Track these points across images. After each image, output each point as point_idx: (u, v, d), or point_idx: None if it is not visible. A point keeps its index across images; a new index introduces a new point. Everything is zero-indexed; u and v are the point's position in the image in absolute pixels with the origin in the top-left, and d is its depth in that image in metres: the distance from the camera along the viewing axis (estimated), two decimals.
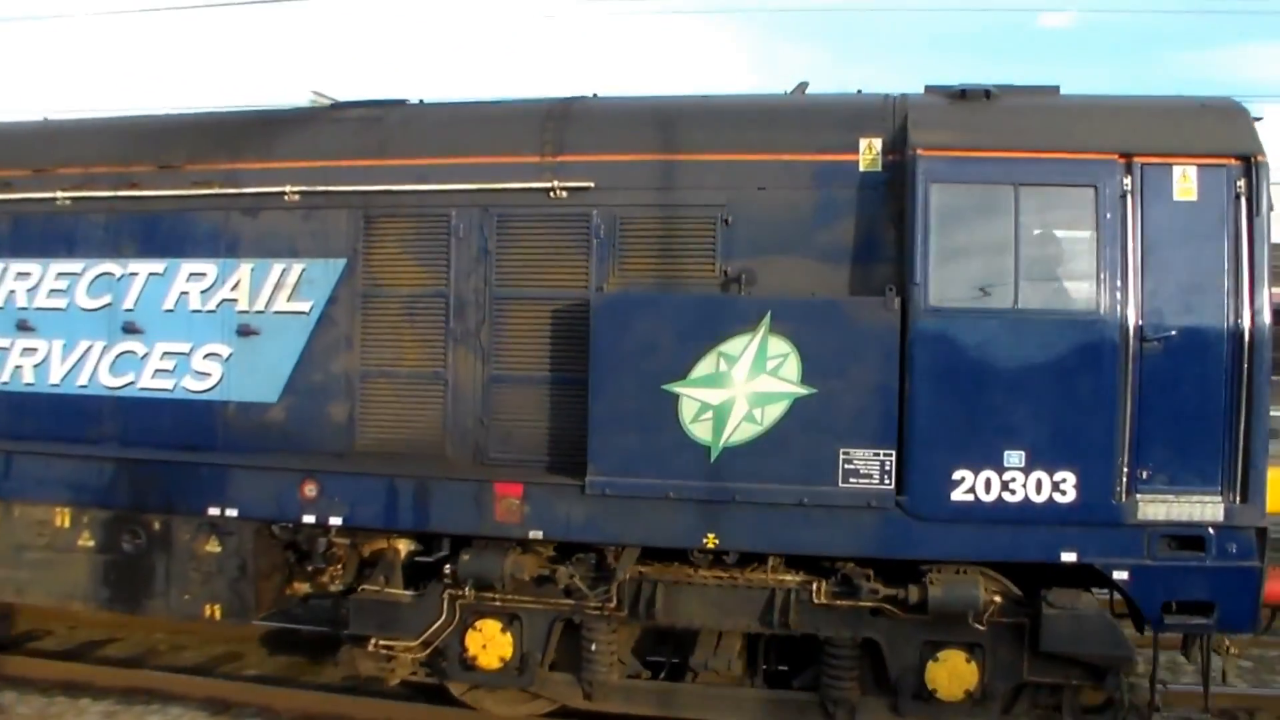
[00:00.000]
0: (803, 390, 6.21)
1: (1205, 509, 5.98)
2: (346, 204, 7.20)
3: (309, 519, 6.97)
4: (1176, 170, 6.04)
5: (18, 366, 7.78)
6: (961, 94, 6.66)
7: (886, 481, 6.15)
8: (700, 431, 6.33)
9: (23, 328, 7.76)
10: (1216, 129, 6.21)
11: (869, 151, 6.59)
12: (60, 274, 7.71)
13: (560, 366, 6.88)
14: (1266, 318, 5.95)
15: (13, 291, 7.80)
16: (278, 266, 7.31)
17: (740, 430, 6.29)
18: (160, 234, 7.54)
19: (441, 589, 6.97)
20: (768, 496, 6.26)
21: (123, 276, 7.58)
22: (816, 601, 6.46)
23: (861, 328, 6.19)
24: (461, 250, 7.05)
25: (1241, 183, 5.99)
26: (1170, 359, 5.98)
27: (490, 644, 6.88)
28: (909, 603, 6.27)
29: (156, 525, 7.31)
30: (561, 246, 6.92)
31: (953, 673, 6.35)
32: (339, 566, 7.24)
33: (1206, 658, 6.35)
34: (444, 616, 6.96)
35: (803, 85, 7.37)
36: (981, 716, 6.41)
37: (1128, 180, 6.05)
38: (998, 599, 6.26)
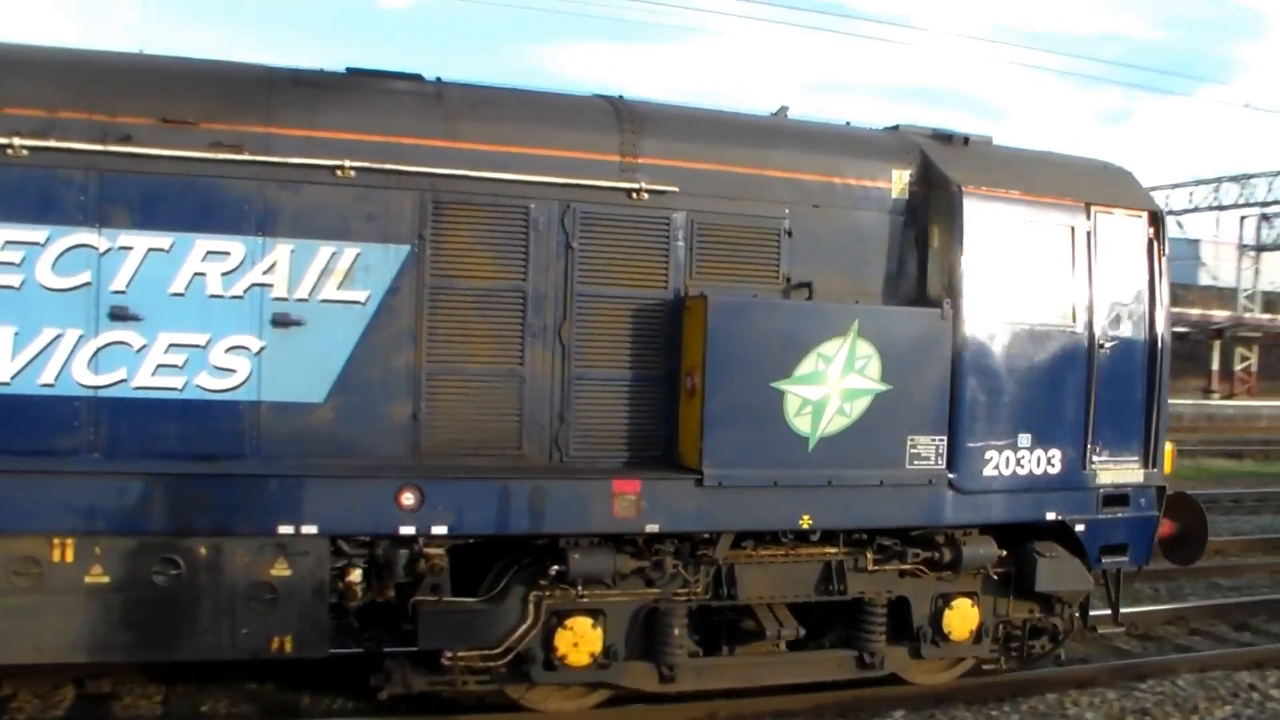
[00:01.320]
0: (882, 386, 7.17)
1: (1130, 474, 8.02)
2: (414, 185, 6.63)
3: (408, 530, 6.38)
4: (1116, 218, 7.98)
5: None
6: (948, 138, 8.06)
7: (940, 462, 7.35)
8: (801, 424, 7.01)
9: None
10: (1132, 188, 8.29)
11: (900, 181, 7.71)
12: (10, 243, 6.05)
13: (640, 364, 7.09)
14: (1168, 332, 8.14)
15: None
16: (326, 249, 6.50)
17: (833, 422, 7.08)
18: (165, 203, 6.27)
19: (524, 592, 6.81)
20: (854, 480, 7.13)
21: (109, 251, 6.17)
22: (867, 569, 7.48)
23: (924, 334, 7.30)
24: (540, 244, 6.89)
25: (1151, 230, 8.10)
26: (1112, 361, 7.90)
27: (581, 641, 6.88)
28: (943, 562, 7.55)
29: (203, 550, 6.12)
30: (642, 246, 7.10)
31: (962, 617, 7.75)
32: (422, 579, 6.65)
33: (1118, 588, 8.44)
34: (529, 620, 6.81)
35: (784, 109, 8.23)
36: (980, 649, 7.91)
37: (1089, 224, 7.86)
38: (1002, 553, 7.78)
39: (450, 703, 7.15)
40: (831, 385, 7.05)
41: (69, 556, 5.95)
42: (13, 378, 6.06)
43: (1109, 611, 8.45)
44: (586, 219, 6.97)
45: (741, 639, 7.55)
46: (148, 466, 6.07)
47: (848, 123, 8.22)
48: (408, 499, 6.36)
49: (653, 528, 6.79)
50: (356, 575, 6.51)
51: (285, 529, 6.20)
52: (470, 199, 6.75)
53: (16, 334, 6.07)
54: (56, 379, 6.13)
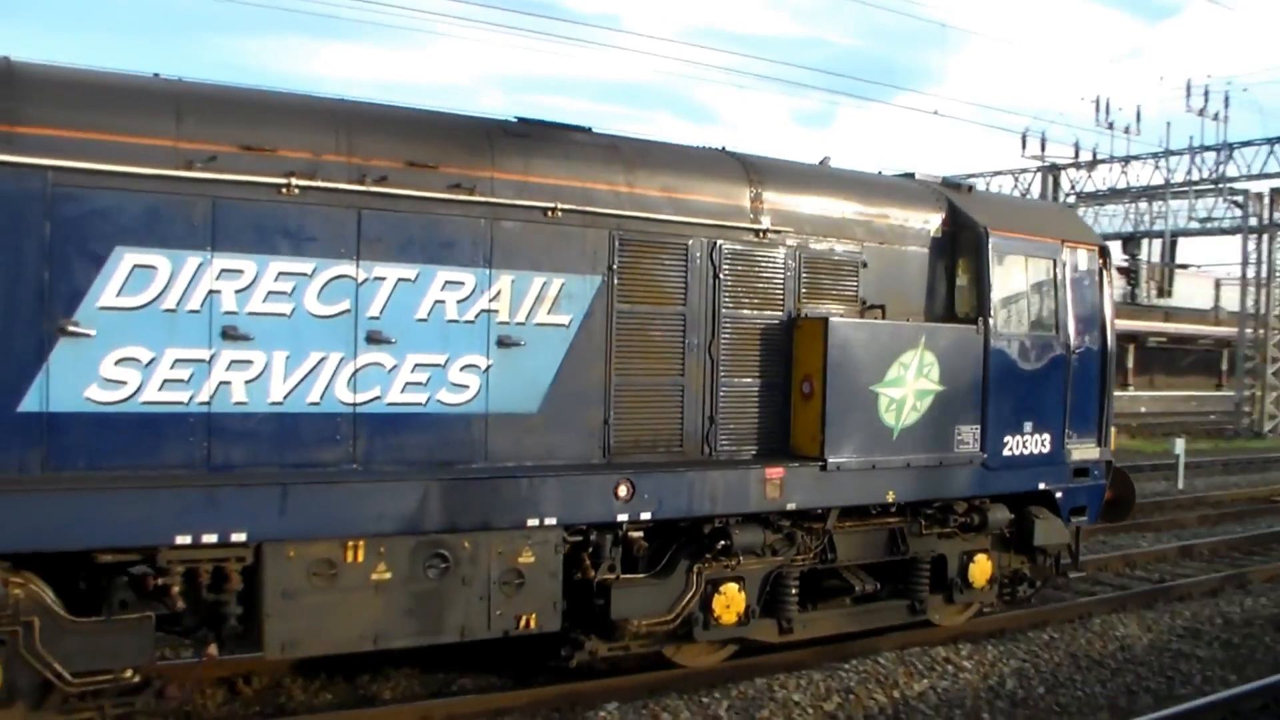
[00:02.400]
0: (940, 387, 9.04)
1: (1090, 452, 10.35)
2: (604, 225, 7.79)
3: (623, 517, 7.56)
4: (1079, 251, 10.27)
5: (224, 383, 6.54)
6: (956, 187, 10.07)
7: (975, 446, 9.32)
8: (888, 419, 8.75)
9: (231, 336, 6.55)
10: (1085, 226, 10.62)
11: (935, 223, 9.60)
12: (282, 274, 6.70)
13: (764, 373, 8.58)
14: (1113, 342, 10.54)
15: (215, 292, 6.50)
16: (538, 279, 7.55)
17: (908, 416, 8.87)
18: (412, 238, 7.10)
19: (689, 565, 8.15)
20: (923, 462, 8.97)
21: (366, 281, 6.95)
22: (920, 534, 9.35)
23: (966, 344, 9.24)
24: (695, 275, 8.23)
25: (1100, 261, 10.46)
26: (1079, 364, 10.17)
27: (731, 603, 8.31)
28: (973, 525, 9.55)
29: (466, 545, 7.02)
30: (766, 276, 8.58)
31: (981, 569, 9.77)
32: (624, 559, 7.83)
33: (1078, 541, 10.75)
34: (693, 589, 8.15)
35: (826, 159, 9.94)
36: (992, 594, 9.98)
37: (1064, 256, 10.09)
38: (1011, 516, 9.86)
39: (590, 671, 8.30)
40: (908, 387, 8.84)
41: (359, 557, 6.73)
42: (285, 397, 6.73)
43: (1069, 560, 10.77)
44: (728, 254, 8.36)
45: (823, 596, 9.22)
46: (425, 474, 6.95)
47: (879, 172, 10.04)
48: (623, 491, 7.56)
49: (791, 505, 8.33)
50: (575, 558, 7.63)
51: (532, 522, 7.24)
52: (646, 237, 7.98)
53: (288, 358, 6.74)
54: (322, 398, 6.84)
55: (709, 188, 8.34)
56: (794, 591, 8.69)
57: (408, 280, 7.08)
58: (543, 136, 7.81)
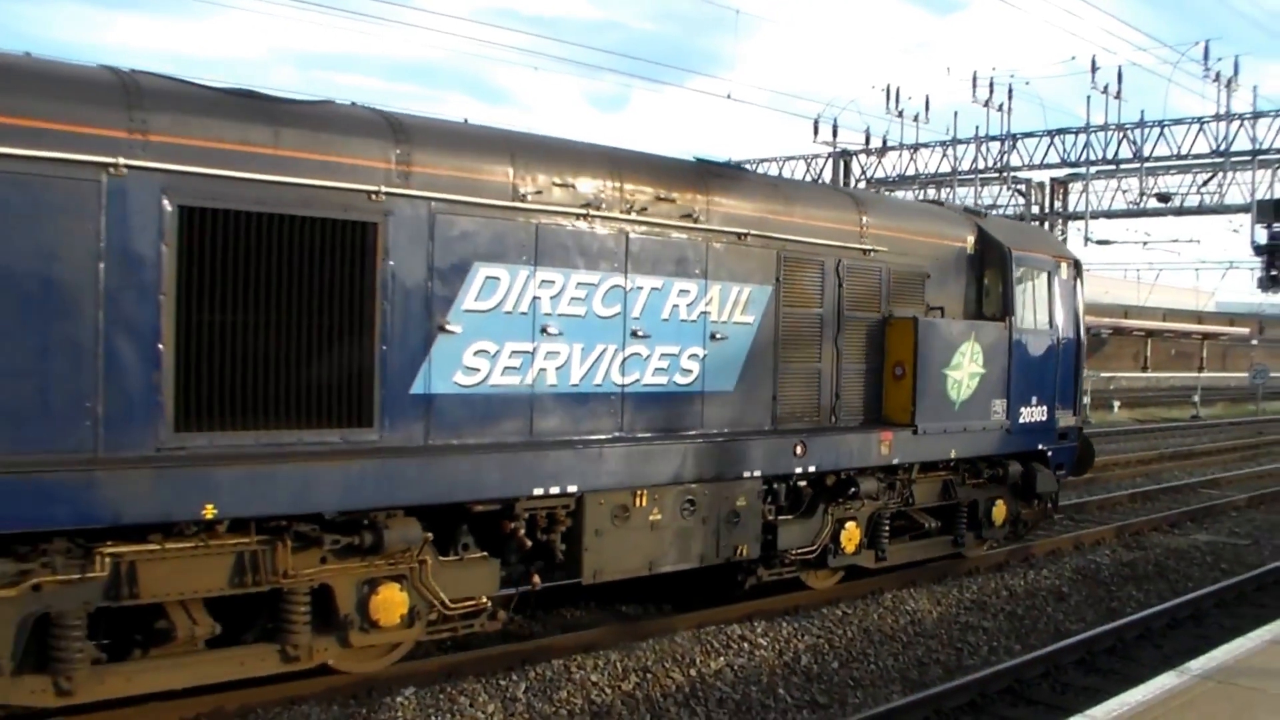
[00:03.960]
0: (983, 370, 11.78)
1: (1069, 420, 13.39)
2: (775, 246, 10.05)
3: (798, 469, 9.88)
4: (1063, 265, 13.26)
5: (541, 369, 8.45)
6: (978, 213, 12.88)
7: (1004, 415, 12.13)
8: (953, 395, 11.42)
9: (547, 332, 8.46)
10: (1063, 245, 13.63)
11: (969, 241, 12.35)
12: (581, 284, 8.65)
13: (866, 360, 11.05)
14: (1084, 334, 13.62)
15: (537, 298, 8.40)
16: (735, 288, 9.75)
17: (964, 393, 11.57)
18: (659, 255, 9.16)
19: (824, 508, 10.54)
20: (973, 428, 11.70)
21: (631, 289, 8.98)
22: (969, 483, 12.08)
23: (999, 337, 12.01)
24: (827, 284, 10.60)
25: (1075, 271, 13.50)
26: (1064, 351, 13.18)
27: (853, 537, 10.78)
28: (998, 478, 12.37)
29: (706, 492, 9.16)
30: (869, 285, 11.05)
31: (1000, 511, 12.62)
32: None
33: (1058, 491, 13.76)
34: (827, 526, 10.56)
35: (880, 189, 12.52)
36: (1005, 531, 12.85)
37: (1056, 268, 13.05)
38: (1021, 469, 12.74)
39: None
40: (964, 370, 11.54)
41: (643, 503, 8.80)
42: (581, 380, 8.71)
43: (1052, 505, 13.80)
44: (846, 268, 10.78)
45: (893, 534, 11.81)
46: (688, 439, 9.07)
47: (920, 198, 12.69)
48: (799, 450, 9.89)
49: (895, 460, 10.87)
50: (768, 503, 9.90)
51: (746, 474, 9.49)
52: (800, 255, 10.29)
53: (582, 349, 8.71)
54: (602, 380, 8.85)
55: (833, 216, 10.73)
56: (887, 528, 11.25)
57: (657, 289, 9.15)
58: (734, 177, 10.00)
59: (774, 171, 36.27)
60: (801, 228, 10.32)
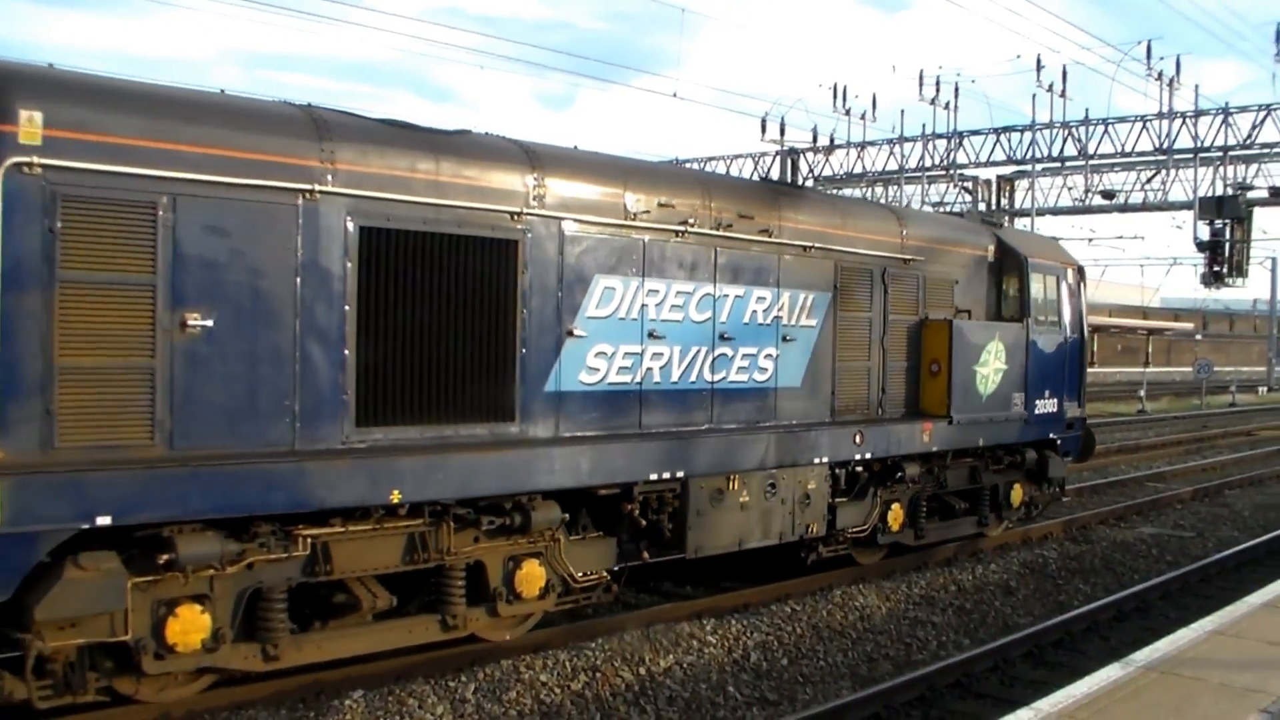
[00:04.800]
0: (1005, 366, 13.03)
1: (1075, 411, 14.71)
2: (831, 257, 11.17)
3: (857, 456, 11.02)
4: (1069, 270, 14.57)
5: (649, 369, 9.49)
6: (995, 224, 14.15)
7: (1021, 407, 13.39)
8: (980, 388, 12.65)
9: (653, 336, 9.50)
10: (1068, 251, 14.95)
11: (990, 250, 13.59)
12: (679, 292, 9.70)
13: (906, 358, 12.24)
14: (1087, 331, 14.95)
15: (644, 305, 9.43)
16: (801, 295, 10.86)
17: (990, 387, 12.80)
18: (741, 266, 10.23)
19: (873, 490, 11.70)
20: (998, 419, 12.94)
21: (720, 297, 10.04)
22: (992, 469, 13.33)
23: (1018, 337, 13.27)
24: (874, 291, 11.76)
25: (1079, 276, 14.82)
26: (1071, 349, 14.49)
27: (898, 518, 11.96)
28: (1017, 464, 13.64)
29: (784, 477, 10.26)
30: (909, 291, 12.23)
31: (1017, 493, 13.91)
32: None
33: (1066, 476, 15.07)
34: (875, 507, 11.73)
35: (909, 206, 13.72)
36: (1021, 512, 14.14)
37: (1064, 274, 14.35)
38: (1036, 456, 14.02)
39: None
40: (990, 367, 12.78)
41: (735, 486, 9.87)
42: (679, 377, 9.76)
43: (1060, 489, 15.10)
44: (891, 276, 11.95)
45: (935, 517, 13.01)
46: (768, 429, 10.15)
47: (947, 211, 13.92)
48: (858, 439, 11.04)
49: (935, 448, 12.07)
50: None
51: (816, 460, 10.61)
52: (854, 264, 11.44)
53: (680, 350, 9.76)
54: (695, 378, 9.90)
55: (879, 229, 11.90)
56: (924, 510, 12.45)
57: (739, 296, 10.23)
58: (800, 195, 11.13)
59: (721, 169, 36.62)
60: (854, 240, 11.46)
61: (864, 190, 34.85)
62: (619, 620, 9.59)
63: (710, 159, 38.22)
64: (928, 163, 33.71)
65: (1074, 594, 12.21)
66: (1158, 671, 7.08)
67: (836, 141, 35.50)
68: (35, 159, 6.37)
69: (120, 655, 6.96)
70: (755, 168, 36.52)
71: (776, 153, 35.26)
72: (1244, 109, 29.33)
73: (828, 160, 35.92)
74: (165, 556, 6.74)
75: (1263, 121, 28.80)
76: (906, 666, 9.25)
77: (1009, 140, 32.13)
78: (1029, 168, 32.54)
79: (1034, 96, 30.89)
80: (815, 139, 35.73)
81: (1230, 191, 29.86)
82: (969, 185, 33.85)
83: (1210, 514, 17.68)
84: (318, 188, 7.48)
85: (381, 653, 8.19)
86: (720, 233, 10.02)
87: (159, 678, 7.13)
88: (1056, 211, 34.11)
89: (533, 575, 8.65)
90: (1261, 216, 33.69)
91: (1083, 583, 12.68)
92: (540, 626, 9.14)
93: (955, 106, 32.76)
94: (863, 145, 35.04)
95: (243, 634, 7.42)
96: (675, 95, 45.26)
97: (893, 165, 34.50)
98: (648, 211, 9.41)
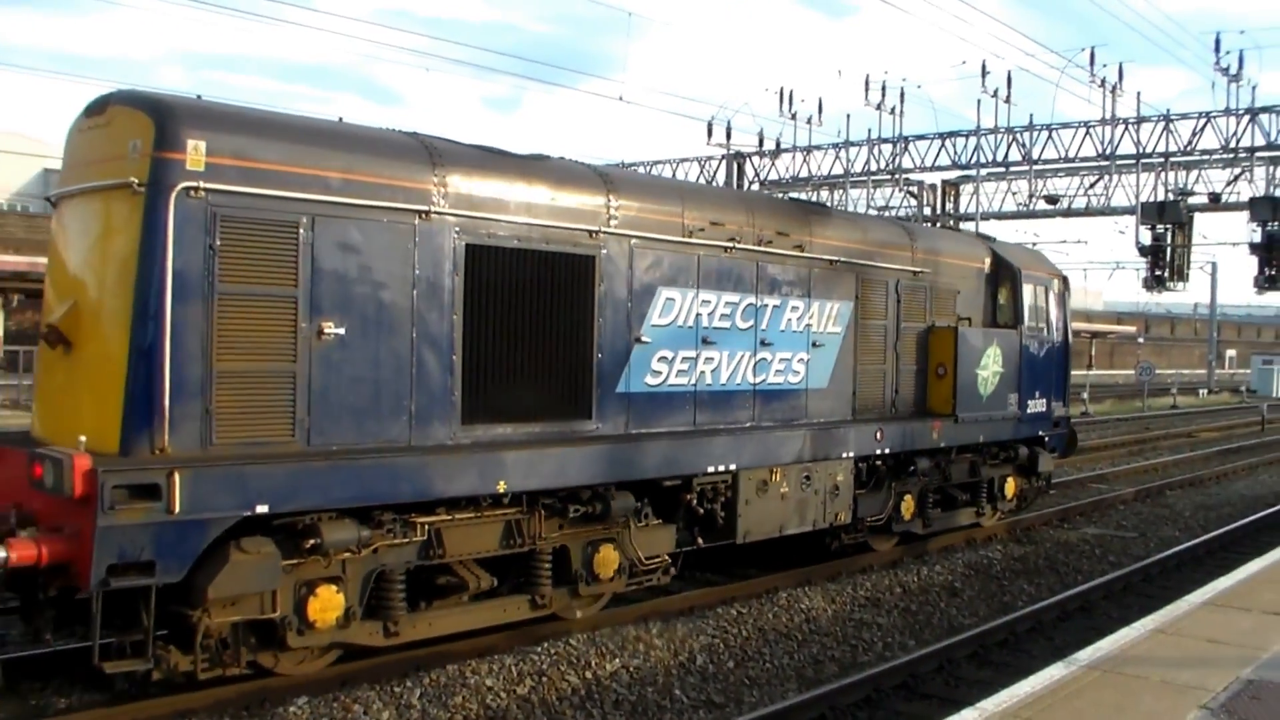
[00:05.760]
0: (1002, 369, 14.20)
1: (1061, 410, 15.94)
2: (854, 270, 12.24)
3: (878, 451, 12.07)
4: (1054, 280, 15.81)
5: (701, 372, 10.45)
6: (989, 238, 15.33)
7: (1015, 407, 14.58)
8: (982, 389, 13.81)
9: (705, 342, 10.47)
10: (1053, 263, 16.20)
11: (986, 262, 14.77)
12: (727, 302, 10.68)
13: (915, 361, 13.35)
14: (1071, 337, 16.20)
15: (699, 314, 10.40)
16: (829, 304, 11.90)
17: (988, 389, 13.96)
18: (778, 279, 11.24)
19: (889, 482, 12.77)
20: (995, 417, 14.10)
21: (761, 307, 11.04)
22: (989, 463, 14.49)
23: (1012, 343, 14.45)
24: (889, 301, 12.85)
25: (1063, 285, 16.06)
26: (1058, 353, 15.72)
27: (910, 508, 13.04)
28: (1011, 459, 14.82)
29: (817, 469, 11.27)
30: (919, 300, 13.34)
31: (1012, 487, 15.09)
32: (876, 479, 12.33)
33: (1053, 471, 16.28)
34: (890, 498, 12.81)
35: (919, 219, 14.86)
36: (1016, 501, 15.32)
37: (1051, 284, 15.57)
38: (1027, 452, 15.20)
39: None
40: (989, 370, 13.94)
41: (777, 478, 10.87)
42: (727, 379, 10.74)
43: (1047, 482, 16.32)
44: (903, 287, 13.04)
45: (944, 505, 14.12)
46: (802, 426, 11.16)
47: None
48: (879, 435, 12.11)
49: (943, 444, 13.18)
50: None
51: (843, 454, 11.65)
52: (872, 276, 12.51)
53: (728, 355, 10.74)
54: (740, 380, 10.89)
55: (894, 244, 13.00)
56: (931, 501, 13.56)
57: (777, 306, 11.24)
58: (826, 213, 12.19)
59: (668, 173, 36.95)
60: (873, 254, 12.54)
61: (809, 194, 34.59)
62: (564, 625, 9.53)
63: (656, 163, 38.36)
64: (873, 167, 33.85)
65: (1018, 594, 12.34)
66: (1101, 670, 7.11)
67: (783, 146, 35.39)
68: (200, 183, 7.17)
69: (263, 632, 7.75)
70: (701, 171, 36.48)
71: (723, 157, 36.22)
72: (1185, 116, 29.71)
73: (774, 164, 35.96)
74: (311, 541, 7.55)
75: (1203, 129, 29.34)
76: (852, 668, 9.36)
77: (954, 145, 32.42)
78: (974, 172, 32.81)
79: (979, 102, 31.32)
80: (761, 143, 35.58)
81: (1171, 197, 30.37)
82: (914, 190, 34.14)
83: (1152, 514, 17.96)
84: (432, 209, 8.34)
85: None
86: (762, 248, 11.02)
87: (298, 651, 7.92)
88: (1001, 216, 34.16)
89: (608, 559, 9.56)
90: (1202, 221, 33.91)
91: (1027, 583, 12.84)
92: (490, 631, 9.13)
93: (901, 111, 32.93)
94: (809, 149, 35.13)
95: (366, 613, 8.23)
96: (621, 99, 45.23)
97: (839, 169, 34.68)
98: (702, 229, 10.38)
